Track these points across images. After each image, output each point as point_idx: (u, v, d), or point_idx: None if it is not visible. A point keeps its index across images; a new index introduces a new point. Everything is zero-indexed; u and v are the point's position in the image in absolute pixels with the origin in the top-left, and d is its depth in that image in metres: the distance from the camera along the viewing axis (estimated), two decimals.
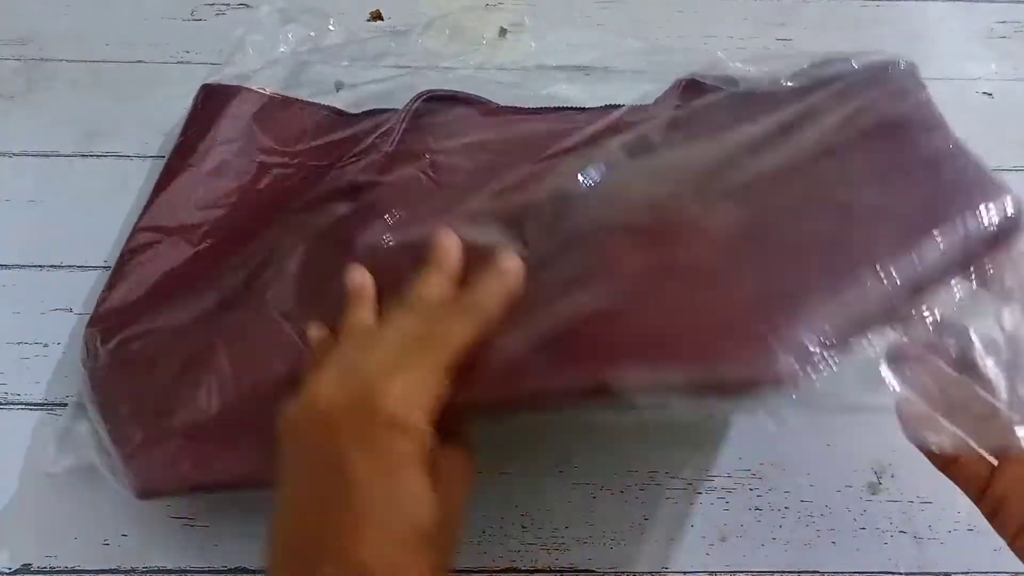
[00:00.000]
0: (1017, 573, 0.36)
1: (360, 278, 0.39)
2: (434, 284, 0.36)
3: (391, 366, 0.32)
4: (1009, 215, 0.36)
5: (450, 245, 0.38)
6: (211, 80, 0.55)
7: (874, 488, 0.46)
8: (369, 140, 0.51)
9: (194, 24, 0.63)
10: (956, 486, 0.34)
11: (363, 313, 0.38)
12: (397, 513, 0.31)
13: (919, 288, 0.33)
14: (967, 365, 0.34)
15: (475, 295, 0.35)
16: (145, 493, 0.42)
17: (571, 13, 0.64)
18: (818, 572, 0.44)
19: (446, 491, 0.32)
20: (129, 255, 0.49)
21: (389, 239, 0.43)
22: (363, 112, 0.56)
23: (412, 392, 0.32)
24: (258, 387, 0.42)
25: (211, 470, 0.41)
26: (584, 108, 0.52)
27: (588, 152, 0.44)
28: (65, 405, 0.47)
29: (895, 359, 0.33)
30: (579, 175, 0.42)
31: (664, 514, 0.45)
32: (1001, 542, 0.36)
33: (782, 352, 0.30)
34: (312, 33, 0.60)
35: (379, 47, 0.59)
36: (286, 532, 0.33)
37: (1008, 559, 0.36)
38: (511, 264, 0.35)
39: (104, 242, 0.52)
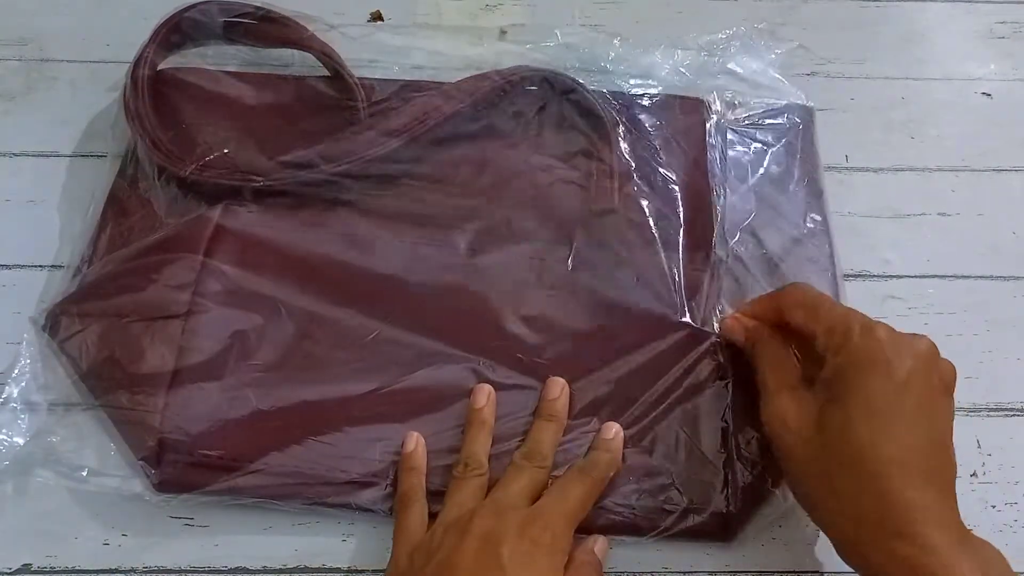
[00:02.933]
0: (1017, 573, 0.36)
1: (481, 398, 0.45)
2: (550, 435, 0.44)
3: (530, 500, 0.41)
4: None
5: (560, 394, 0.45)
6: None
7: None
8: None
9: None
10: None
11: (487, 443, 0.44)
12: None
13: None
14: None
15: (597, 466, 0.43)
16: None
17: (572, 13, 0.64)
18: (818, 572, 0.44)
19: None
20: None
21: None
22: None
23: (553, 524, 0.39)
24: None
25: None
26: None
27: None
28: (65, 405, 0.47)
29: None
30: None
31: None
32: (1000, 542, 0.37)
33: None
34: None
35: (378, 48, 0.59)
36: None
37: (1008, 559, 0.36)
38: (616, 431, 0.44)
39: None
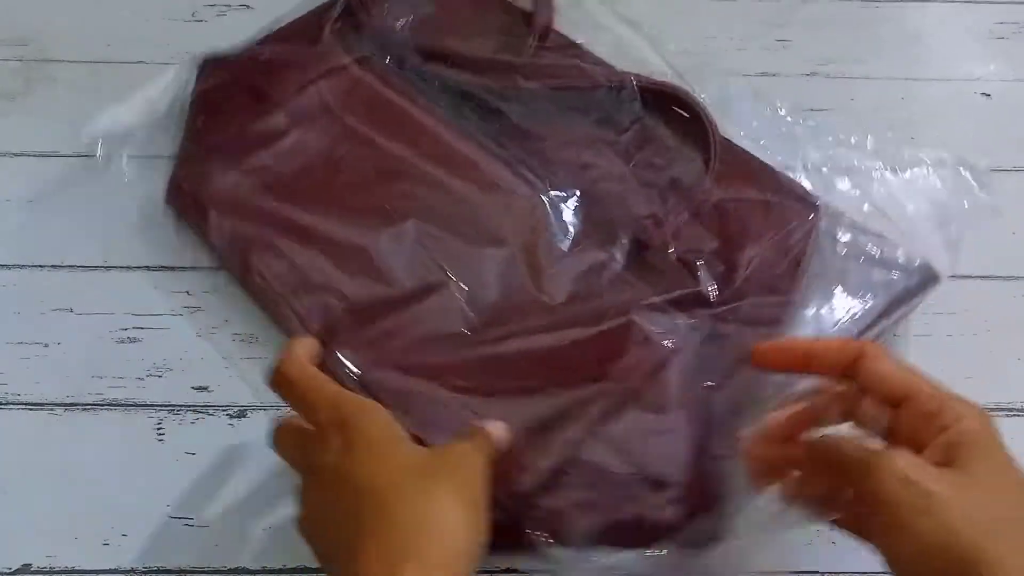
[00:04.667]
0: None
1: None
2: None
3: None
4: None
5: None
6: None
7: None
8: None
9: (195, 25, 0.63)
10: None
11: None
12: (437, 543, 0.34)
13: None
14: None
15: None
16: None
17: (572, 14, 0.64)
18: (818, 572, 0.44)
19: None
20: None
21: None
22: None
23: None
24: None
25: None
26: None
27: None
28: (64, 405, 0.47)
29: None
30: None
31: None
32: None
33: None
34: None
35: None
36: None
37: None
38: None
39: (104, 242, 0.52)
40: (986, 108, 0.60)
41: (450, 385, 0.45)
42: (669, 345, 0.45)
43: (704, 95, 0.54)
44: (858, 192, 0.51)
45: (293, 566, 0.43)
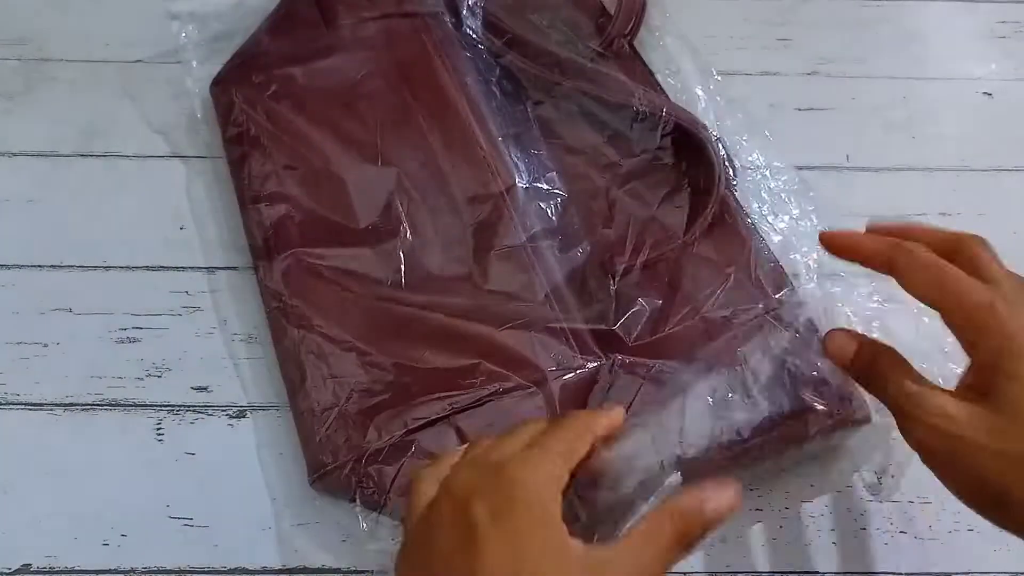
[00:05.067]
0: (1017, 573, 0.36)
1: None
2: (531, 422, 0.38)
3: (523, 450, 0.33)
4: None
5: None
6: None
7: (874, 488, 0.45)
8: None
9: None
10: None
11: None
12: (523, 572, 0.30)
13: None
14: None
15: (588, 414, 0.37)
16: None
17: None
18: (818, 572, 0.44)
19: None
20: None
21: None
22: None
23: (533, 461, 0.33)
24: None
25: None
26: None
27: None
28: (64, 405, 0.47)
29: None
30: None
31: None
32: (1000, 542, 0.37)
33: None
34: None
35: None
36: None
37: (1008, 559, 0.36)
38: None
39: (102, 242, 0.52)
40: (986, 108, 0.60)
41: (351, 329, 0.46)
42: (545, 371, 0.45)
43: (737, 160, 0.53)
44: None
45: (293, 566, 0.43)
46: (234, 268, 0.51)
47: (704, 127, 0.52)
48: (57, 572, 0.43)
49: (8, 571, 0.43)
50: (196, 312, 0.50)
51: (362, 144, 0.52)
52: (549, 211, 0.50)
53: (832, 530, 0.45)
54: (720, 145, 0.52)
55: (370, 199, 0.50)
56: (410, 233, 0.49)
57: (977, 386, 0.33)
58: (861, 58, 0.62)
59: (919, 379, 0.35)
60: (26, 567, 0.43)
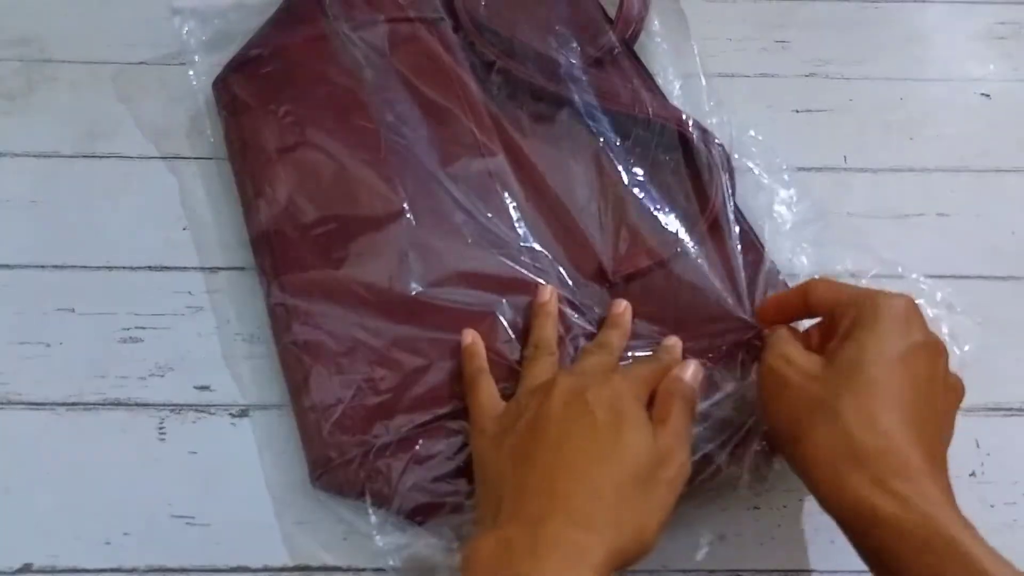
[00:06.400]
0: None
1: (547, 293, 0.47)
2: (618, 336, 0.46)
3: (604, 374, 0.42)
4: None
5: (622, 309, 0.47)
6: None
7: None
8: None
9: None
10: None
11: (555, 329, 0.46)
12: (629, 443, 0.38)
13: None
14: None
15: (660, 359, 0.45)
16: None
17: None
18: (817, 572, 0.44)
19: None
20: None
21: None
22: None
23: (627, 381, 0.41)
24: None
25: None
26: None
27: None
28: (67, 405, 0.47)
29: None
30: None
31: None
32: (999, 542, 0.37)
33: None
34: None
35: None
36: (510, 491, 0.38)
37: (1008, 559, 0.36)
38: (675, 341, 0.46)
39: (104, 242, 0.52)
40: (986, 108, 0.60)
41: (354, 325, 0.47)
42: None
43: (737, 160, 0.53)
44: None
45: (294, 565, 0.44)
46: (236, 268, 0.51)
47: (704, 131, 0.52)
48: (59, 571, 0.43)
49: (10, 570, 0.43)
50: (198, 312, 0.50)
51: (366, 141, 0.52)
52: (546, 215, 0.51)
53: (831, 529, 0.45)
54: (720, 150, 0.52)
55: (373, 194, 0.50)
56: (413, 225, 0.49)
57: (846, 334, 0.39)
58: (859, 59, 0.62)
59: (789, 330, 0.43)
60: (28, 566, 0.43)
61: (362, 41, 0.55)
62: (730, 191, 0.51)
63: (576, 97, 0.53)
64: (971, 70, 0.62)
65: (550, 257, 0.49)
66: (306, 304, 0.47)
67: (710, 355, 0.46)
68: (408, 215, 0.49)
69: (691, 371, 0.42)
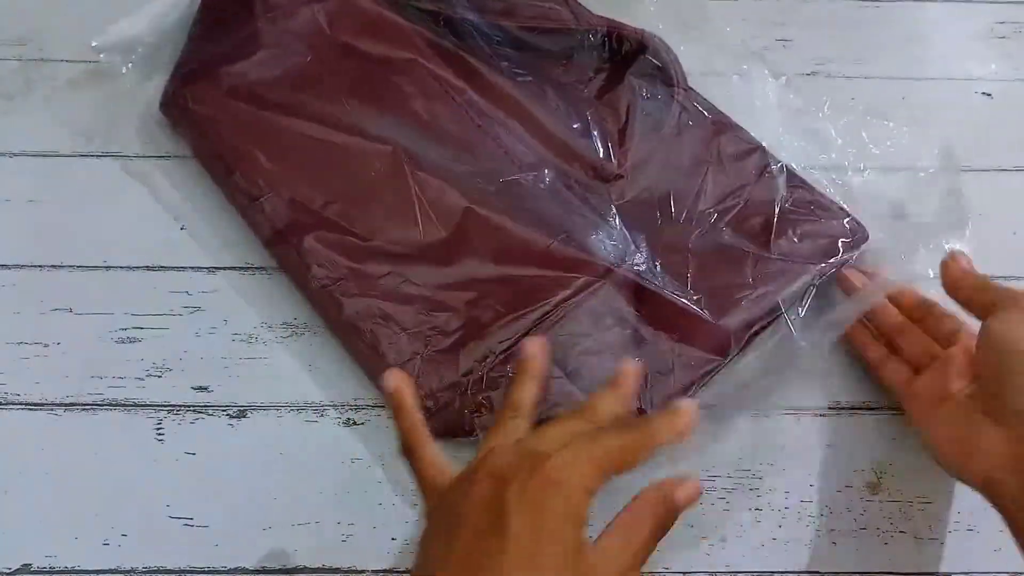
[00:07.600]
0: (1017, 573, 0.36)
1: (533, 349, 0.40)
2: (610, 401, 0.38)
3: (560, 445, 0.33)
4: None
5: (629, 373, 0.39)
6: None
7: (874, 488, 0.46)
8: None
9: None
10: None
11: (533, 391, 0.39)
12: (542, 567, 0.31)
13: None
14: None
15: (649, 425, 0.36)
16: None
17: None
18: (818, 572, 0.44)
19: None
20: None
21: None
22: None
23: (575, 463, 0.33)
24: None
25: None
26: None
27: None
28: (64, 405, 0.47)
29: None
30: None
31: None
32: (1000, 542, 0.37)
33: None
34: None
35: None
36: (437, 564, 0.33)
37: (1008, 559, 0.36)
38: (687, 409, 0.36)
39: (104, 242, 0.52)
40: (986, 108, 0.60)
41: (404, 282, 0.48)
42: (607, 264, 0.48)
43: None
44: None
45: (292, 566, 0.43)
46: (234, 268, 0.51)
47: (651, 35, 0.56)
48: (57, 572, 0.43)
49: (8, 571, 0.43)
50: (196, 312, 0.50)
51: (336, 113, 0.53)
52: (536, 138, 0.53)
53: (832, 530, 0.45)
54: (666, 46, 0.56)
55: (365, 156, 0.51)
56: (415, 168, 0.50)
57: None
58: (861, 58, 0.62)
59: None
60: (26, 567, 0.43)
61: (298, 28, 0.55)
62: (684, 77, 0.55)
63: (515, 32, 0.56)
64: (972, 69, 0.62)
65: (548, 162, 0.51)
66: (348, 279, 0.48)
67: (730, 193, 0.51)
68: (404, 159, 0.50)
69: (688, 492, 0.35)
